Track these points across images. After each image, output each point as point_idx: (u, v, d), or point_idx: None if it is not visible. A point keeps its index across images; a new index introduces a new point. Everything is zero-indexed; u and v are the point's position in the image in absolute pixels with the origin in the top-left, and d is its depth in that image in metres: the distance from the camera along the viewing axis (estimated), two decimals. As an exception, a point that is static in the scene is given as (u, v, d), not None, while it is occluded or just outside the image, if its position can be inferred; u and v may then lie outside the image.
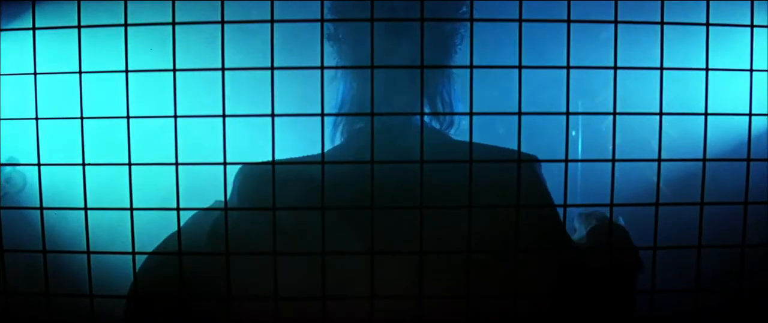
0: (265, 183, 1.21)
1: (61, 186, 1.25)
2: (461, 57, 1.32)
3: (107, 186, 1.13)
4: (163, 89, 1.05)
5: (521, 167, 1.20)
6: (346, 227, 1.14)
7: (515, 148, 1.21)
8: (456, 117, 1.34)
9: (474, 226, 1.02)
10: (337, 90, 1.33)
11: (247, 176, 1.25)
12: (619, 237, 1.29)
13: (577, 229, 1.39)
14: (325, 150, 1.31)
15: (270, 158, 1.24)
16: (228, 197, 1.31)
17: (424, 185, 1.03)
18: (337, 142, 1.33)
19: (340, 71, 1.32)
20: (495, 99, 1.41)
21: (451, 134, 1.34)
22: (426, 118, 1.32)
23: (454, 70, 1.34)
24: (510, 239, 1.03)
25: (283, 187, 1.03)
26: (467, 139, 1.32)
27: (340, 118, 1.32)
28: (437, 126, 1.35)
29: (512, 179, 1.08)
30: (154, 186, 1.19)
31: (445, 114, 1.32)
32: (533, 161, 1.26)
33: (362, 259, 1.03)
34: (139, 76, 1.00)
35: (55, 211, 1.07)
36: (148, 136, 1.31)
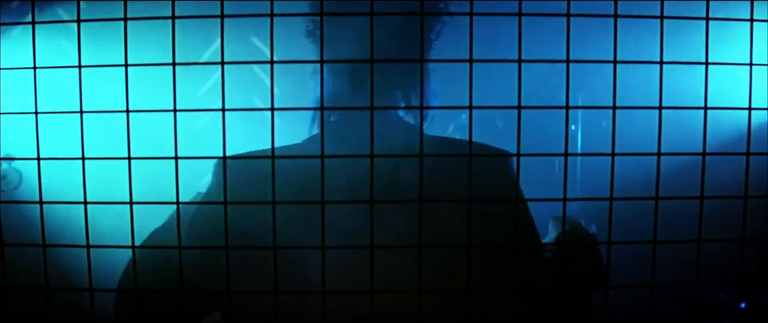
0: (241, 174, 1.21)
1: (55, 184, 1.25)
2: (436, 53, 1.34)
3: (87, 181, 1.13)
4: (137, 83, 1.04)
5: (494, 162, 1.21)
6: (305, 220, 1.15)
7: (488, 143, 1.21)
8: (430, 113, 1.36)
9: (446, 222, 1.03)
10: (315, 85, 1.34)
11: (222, 166, 1.26)
12: (589, 247, 1.30)
13: (549, 232, 1.41)
14: (300, 141, 1.32)
15: (247, 151, 1.25)
16: (207, 189, 1.31)
17: (396, 180, 1.04)
18: (314, 133, 1.35)
19: (318, 67, 1.33)
20: (491, 94, 1.41)
21: (424, 128, 1.35)
22: (400, 112, 1.33)
23: (430, 67, 1.35)
24: (483, 234, 1.03)
25: (255, 178, 1.03)
26: (441, 134, 1.33)
27: (316, 111, 1.33)
28: (412, 121, 1.36)
29: (483, 174, 1.09)
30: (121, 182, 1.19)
31: (445, 108, 1.33)
32: (507, 155, 1.28)
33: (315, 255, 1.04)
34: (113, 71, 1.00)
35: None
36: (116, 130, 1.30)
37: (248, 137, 1.32)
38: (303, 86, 1.36)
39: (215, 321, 1.30)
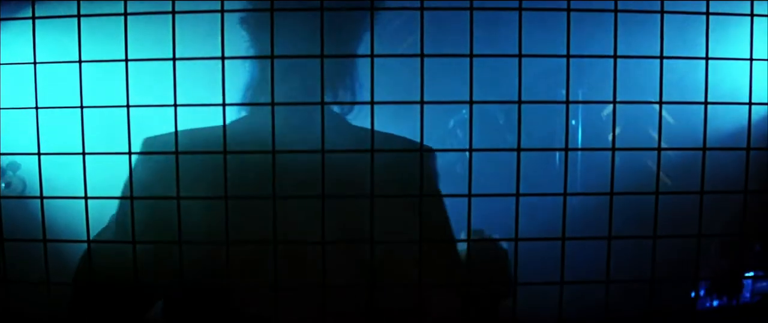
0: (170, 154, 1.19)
1: (54, 183, 1.25)
2: (365, 46, 1.33)
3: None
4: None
5: (415, 158, 1.22)
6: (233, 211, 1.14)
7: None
8: (357, 104, 1.35)
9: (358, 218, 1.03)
10: (244, 72, 1.34)
11: (151, 146, 1.26)
12: (498, 260, 1.32)
13: (461, 243, 1.42)
14: (229, 122, 1.31)
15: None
16: (133, 169, 1.29)
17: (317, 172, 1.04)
18: (242, 114, 1.34)
19: (250, 55, 1.33)
20: (493, 91, 1.41)
21: (350, 119, 1.36)
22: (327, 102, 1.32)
23: (357, 58, 1.35)
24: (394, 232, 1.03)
25: (192, 158, 1.03)
26: (367, 126, 1.33)
27: (246, 93, 1.33)
28: (338, 110, 1.36)
29: (404, 170, 1.09)
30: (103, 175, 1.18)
31: (446, 103, 1.33)
32: (428, 150, 1.30)
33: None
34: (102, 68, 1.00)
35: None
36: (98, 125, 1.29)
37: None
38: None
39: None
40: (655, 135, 1.01)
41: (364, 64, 1.35)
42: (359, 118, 1.35)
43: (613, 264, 1.14)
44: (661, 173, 1.03)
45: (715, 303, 2.60)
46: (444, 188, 1.37)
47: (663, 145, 1.02)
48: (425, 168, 1.27)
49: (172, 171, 0.96)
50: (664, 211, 1.02)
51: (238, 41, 1.30)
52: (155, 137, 1.27)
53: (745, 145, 1.04)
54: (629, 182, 1.11)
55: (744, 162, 1.05)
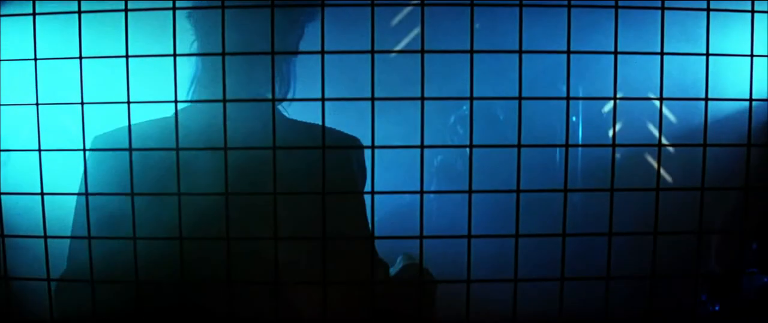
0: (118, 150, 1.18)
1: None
2: (306, 43, 1.35)
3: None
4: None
5: (339, 152, 1.23)
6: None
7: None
8: (291, 93, 1.36)
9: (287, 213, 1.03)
10: (191, 64, 1.34)
11: (103, 144, 1.25)
12: (426, 281, 1.33)
13: (396, 264, 1.44)
14: (170, 115, 1.29)
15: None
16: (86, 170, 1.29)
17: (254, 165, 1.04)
18: (185, 106, 1.33)
19: (194, 48, 1.33)
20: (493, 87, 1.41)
21: (284, 108, 1.36)
22: (262, 94, 1.33)
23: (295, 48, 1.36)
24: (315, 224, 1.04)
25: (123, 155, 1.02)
26: (300, 117, 1.33)
27: (192, 81, 1.33)
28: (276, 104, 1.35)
29: (329, 162, 1.09)
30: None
31: (447, 99, 1.32)
32: (354, 146, 1.29)
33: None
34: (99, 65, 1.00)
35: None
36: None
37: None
38: (303, 75, 1.36)
39: None
40: (655, 130, 1.01)
41: (301, 58, 1.36)
42: (290, 111, 1.36)
43: (609, 265, 1.14)
44: (661, 170, 1.03)
45: (714, 303, 2.59)
46: (444, 184, 1.37)
47: (662, 141, 1.02)
48: (347, 160, 1.28)
49: (126, 168, 0.97)
50: (664, 212, 1.02)
51: (186, 36, 1.30)
52: (105, 135, 1.27)
53: (732, 131, 1.04)
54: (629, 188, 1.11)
55: (735, 158, 1.05)
